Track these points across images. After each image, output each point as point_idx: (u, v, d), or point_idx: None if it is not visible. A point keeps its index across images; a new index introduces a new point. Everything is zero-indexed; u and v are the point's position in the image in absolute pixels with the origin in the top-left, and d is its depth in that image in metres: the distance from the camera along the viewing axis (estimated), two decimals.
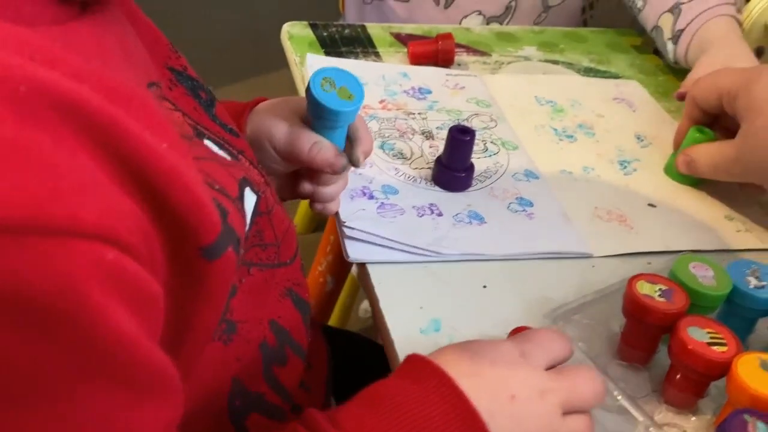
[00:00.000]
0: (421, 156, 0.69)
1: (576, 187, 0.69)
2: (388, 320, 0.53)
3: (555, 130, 0.77)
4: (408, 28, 0.89)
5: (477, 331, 0.53)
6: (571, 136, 0.76)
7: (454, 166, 0.65)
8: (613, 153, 0.75)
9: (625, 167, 0.73)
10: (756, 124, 0.61)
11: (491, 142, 0.73)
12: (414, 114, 0.75)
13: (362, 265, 0.57)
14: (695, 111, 0.70)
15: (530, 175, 0.69)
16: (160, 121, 0.30)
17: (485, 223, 0.63)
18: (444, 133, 0.71)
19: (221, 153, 0.41)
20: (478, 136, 0.73)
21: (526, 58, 0.89)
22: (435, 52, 0.82)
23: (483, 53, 0.88)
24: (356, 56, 0.83)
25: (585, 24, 1.10)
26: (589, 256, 0.62)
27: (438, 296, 0.55)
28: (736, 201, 0.70)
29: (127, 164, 0.27)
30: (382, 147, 0.69)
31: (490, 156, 0.71)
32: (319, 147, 0.54)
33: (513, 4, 0.97)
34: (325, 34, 0.85)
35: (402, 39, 0.86)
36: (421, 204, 0.63)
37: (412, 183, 0.66)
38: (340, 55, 0.82)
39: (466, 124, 0.75)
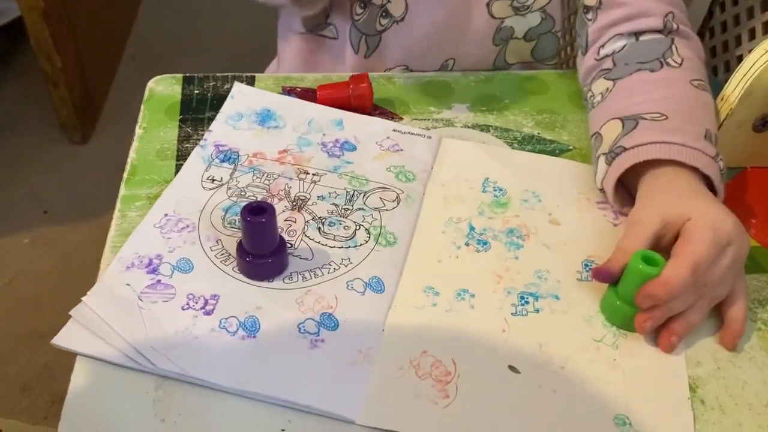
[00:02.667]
0: None
1: (424, 316, 0.51)
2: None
3: (471, 229, 0.58)
4: (309, 79, 0.72)
5: None
6: (485, 243, 0.57)
7: (251, 251, 0.52)
8: (521, 281, 0.54)
9: (524, 304, 0.52)
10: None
11: (366, 230, 0.57)
12: (307, 174, 0.62)
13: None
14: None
15: (374, 285, 0.53)
16: None
17: (253, 338, 0.49)
18: (321, 206, 0.59)
19: None
20: (357, 218, 0.58)
21: (448, 122, 0.68)
22: (347, 99, 0.68)
23: (391, 114, 0.69)
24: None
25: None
26: (350, 422, 0.45)
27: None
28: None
29: None
30: (226, 210, 0.58)
31: (349, 248, 0.56)
32: None
33: (450, 62, 0.75)
34: (196, 91, 0.70)
35: (306, 95, 0.69)
36: (200, 294, 0.52)
37: (220, 262, 0.54)
38: (199, 121, 0.67)
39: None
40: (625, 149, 0.56)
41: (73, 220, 1.47)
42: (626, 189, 0.59)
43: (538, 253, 0.56)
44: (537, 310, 0.52)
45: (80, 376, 0.47)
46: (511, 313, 0.52)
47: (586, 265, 0.55)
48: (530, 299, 0.53)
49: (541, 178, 0.63)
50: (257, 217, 0.50)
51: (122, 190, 0.61)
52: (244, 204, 0.56)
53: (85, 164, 1.58)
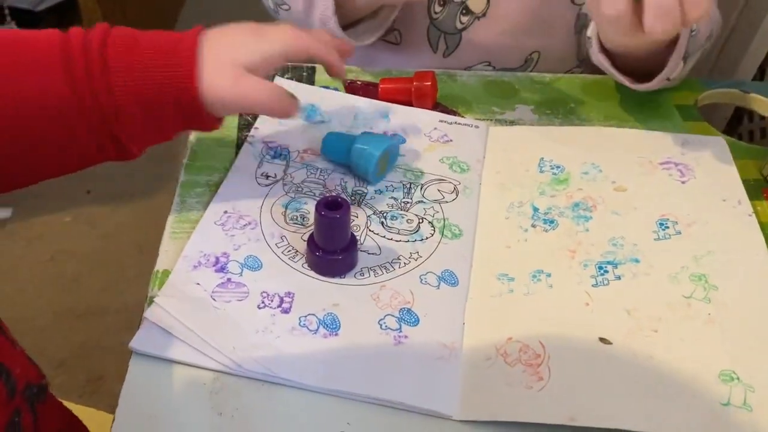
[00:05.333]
0: None
1: (503, 304, 0.50)
2: None
3: (535, 210, 0.57)
4: (369, 74, 0.71)
5: None
6: (551, 222, 0.56)
7: (325, 247, 0.51)
8: (596, 252, 0.54)
9: (603, 274, 0.52)
10: None
11: (429, 223, 0.57)
12: None
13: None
14: None
15: (447, 279, 0.52)
16: None
17: (335, 335, 0.48)
18: (380, 200, 0.58)
19: None
20: (419, 210, 0.57)
21: (511, 124, 0.67)
22: (407, 92, 0.67)
23: (452, 112, 0.68)
24: None
25: None
26: (447, 419, 0.44)
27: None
28: None
29: None
30: (286, 206, 0.57)
31: (416, 241, 0.55)
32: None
33: (535, 55, 0.75)
34: None
35: (355, 89, 0.69)
36: (274, 291, 0.50)
37: (288, 259, 0.53)
38: None
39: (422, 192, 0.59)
40: None
41: (115, 201, 1.47)
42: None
43: (608, 221, 0.56)
44: (618, 277, 0.51)
45: (137, 367, 0.46)
46: (592, 285, 0.51)
47: (662, 224, 0.55)
48: (609, 267, 0.52)
49: (598, 149, 0.62)
50: (332, 212, 0.49)
51: (182, 176, 0.60)
52: (303, 199, 0.55)
53: None
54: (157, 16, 1.76)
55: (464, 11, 0.71)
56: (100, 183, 1.52)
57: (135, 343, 0.47)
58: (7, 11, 1.57)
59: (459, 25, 0.72)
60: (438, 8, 0.72)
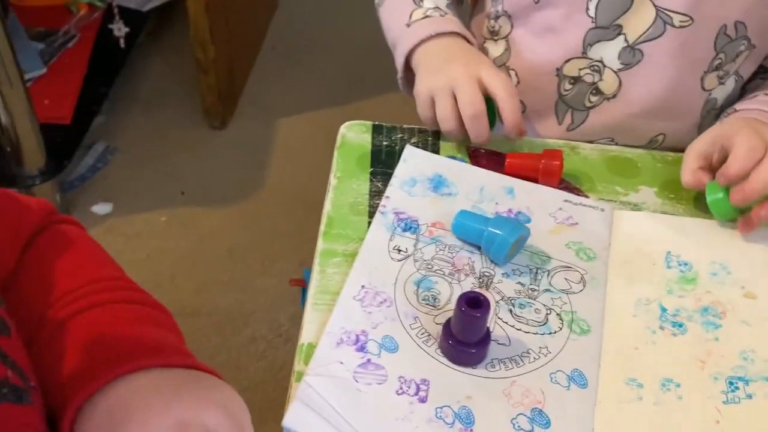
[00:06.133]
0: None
1: (632, 413, 0.52)
2: None
3: (663, 310, 0.58)
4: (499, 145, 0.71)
5: None
6: (680, 326, 0.57)
7: (460, 338, 0.53)
8: (726, 365, 0.54)
9: (734, 390, 0.53)
10: None
11: (558, 315, 0.58)
12: None
13: None
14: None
15: (576, 379, 0.54)
16: None
17: (470, 431, 0.50)
18: (508, 284, 0.60)
19: None
20: (546, 300, 0.59)
21: (635, 207, 0.67)
22: (534, 168, 0.68)
23: (577, 191, 0.68)
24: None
25: None
26: None
27: None
28: None
29: None
30: (418, 284, 0.60)
31: (545, 335, 0.57)
32: None
33: (660, 137, 0.74)
34: (385, 143, 0.72)
35: (478, 156, 0.70)
36: (411, 377, 0.53)
37: (422, 342, 0.56)
38: (388, 177, 0.68)
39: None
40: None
41: (208, 204, 1.52)
42: None
43: (738, 332, 0.56)
44: (749, 396, 0.52)
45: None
46: (723, 402, 0.52)
47: None
48: (740, 384, 0.53)
49: (726, 248, 0.63)
50: (474, 310, 0.51)
51: (320, 244, 0.63)
52: (433, 278, 0.57)
53: (222, 150, 1.64)
54: (252, 25, 1.81)
55: (594, 91, 0.72)
56: (193, 185, 1.57)
57: (287, 421, 0.50)
58: (116, 10, 1.63)
59: (588, 104, 0.73)
60: (568, 86, 0.73)
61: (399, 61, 0.73)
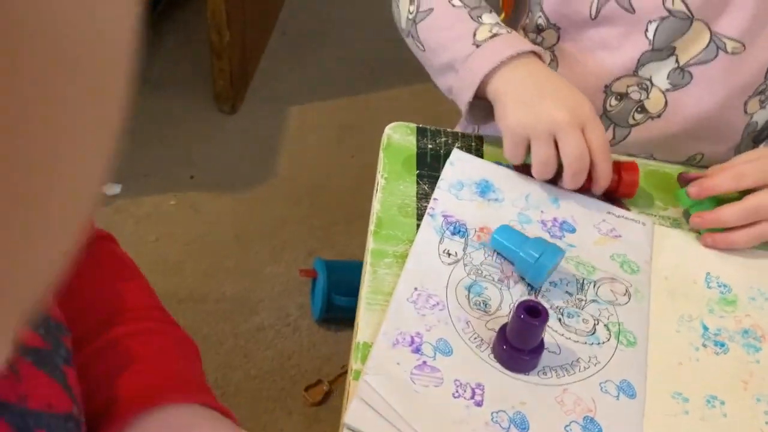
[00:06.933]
0: (507, 314, 0.59)
1: (679, 426, 0.54)
2: None
3: (705, 329, 0.60)
4: None
5: None
6: (722, 345, 0.59)
7: (516, 345, 0.55)
8: (767, 387, 0.56)
9: None
10: None
11: (605, 326, 0.60)
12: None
13: None
14: None
15: (625, 390, 0.55)
16: None
17: None
18: (556, 293, 0.61)
19: None
20: (593, 311, 0.60)
21: (675, 223, 0.69)
22: (615, 183, 0.68)
23: (620, 204, 0.70)
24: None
25: None
26: None
27: None
28: None
29: None
30: (469, 288, 0.61)
31: (593, 345, 0.58)
32: None
33: (698, 156, 0.76)
34: (430, 146, 0.72)
35: (521, 168, 0.70)
36: (466, 381, 0.54)
37: (475, 347, 0.57)
38: (434, 179, 0.69)
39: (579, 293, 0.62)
40: None
41: (217, 189, 1.53)
42: None
43: None
44: None
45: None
46: (766, 422, 0.54)
47: None
48: None
49: (764, 273, 0.65)
50: (532, 318, 0.53)
51: (371, 243, 0.63)
52: (483, 284, 0.59)
53: (232, 135, 1.64)
54: (265, 9, 1.80)
55: (639, 109, 0.74)
56: (203, 169, 1.57)
57: (349, 419, 0.51)
58: None
59: (632, 121, 0.75)
60: (614, 102, 0.74)
61: (468, 85, 0.67)
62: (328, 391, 1.23)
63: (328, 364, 1.26)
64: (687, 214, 0.69)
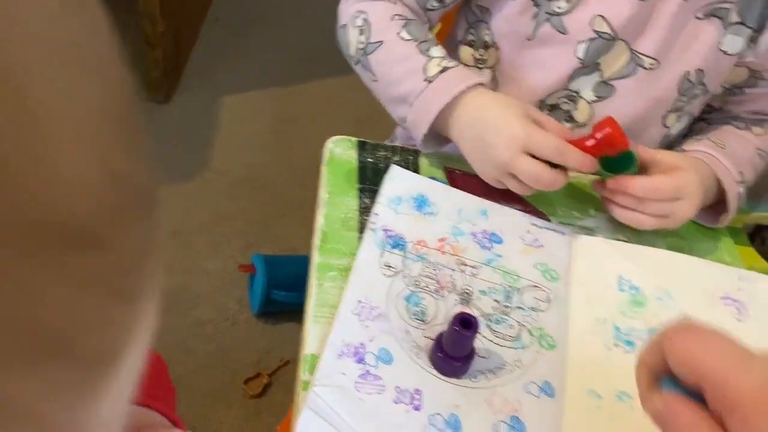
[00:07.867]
0: (442, 323, 0.65)
1: (593, 421, 0.61)
2: None
3: (617, 329, 0.68)
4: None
5: None
6: (631, 344, 0.67)
7: (450, 353, 0.60)
8: None
9: None
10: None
11: (529, 331, 0.66)
12: (466, 266, 0.70)
13: None
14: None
15: (545, 389, 0.62)
16: None
17: None
18: (485, 301, 0.67)
19: None
20: (518, 317, 0.67)
21: (589, 231, 0.77)
22: (598, 147, 0.68)
23: (540, 214, 0.77)
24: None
25: None
26: None
27: None
28: None
29: None
30: (407, 299, 0.66)
31: (518, 349, 0.65)
32: None
33: None
34: (370, 159, 0.77)
35: (454, 178, 0.77)
36: (405, 387, 0.60)
37: (414, 355, 0.62)
38: (374, 192, 0.74)
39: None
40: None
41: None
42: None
43: None
44: None
45: None
46: None
47: None
48: None
49: (668, 275, 0.72)
50: (465, 330, 0.58)
51: (316, 257, 0.67)
52: (421, 294, 0.64)
53: (166, 124, 1.62)
54: None
55: (568, 119, 0.80)
56: None
57: (300, 429, 0.56)
58: None
59: None
60: (547, 113, 0.80)
61: (423, 119, 0.72)
62: (268, 383, 1.27)
63: (268, 357, 1.30)
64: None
